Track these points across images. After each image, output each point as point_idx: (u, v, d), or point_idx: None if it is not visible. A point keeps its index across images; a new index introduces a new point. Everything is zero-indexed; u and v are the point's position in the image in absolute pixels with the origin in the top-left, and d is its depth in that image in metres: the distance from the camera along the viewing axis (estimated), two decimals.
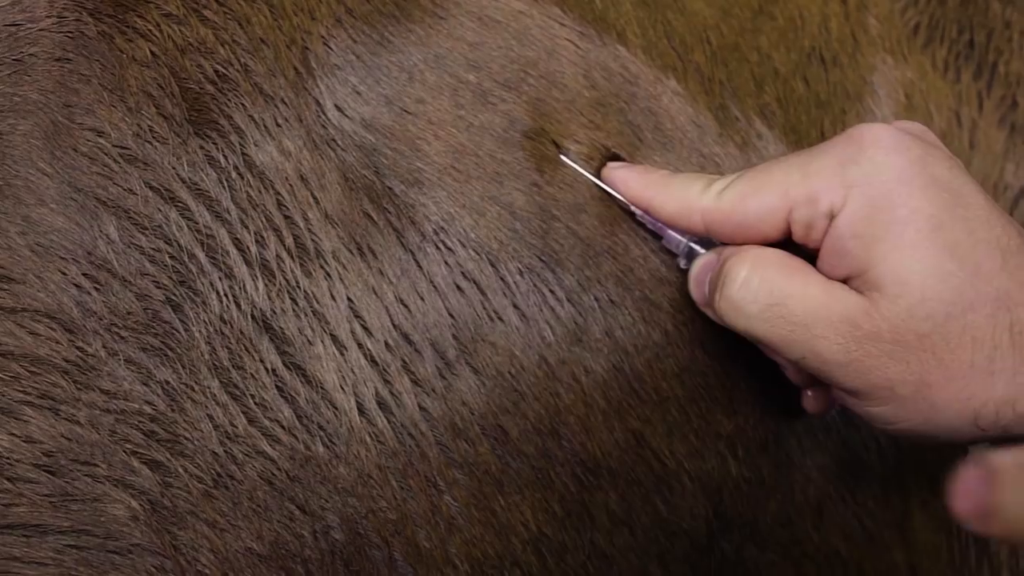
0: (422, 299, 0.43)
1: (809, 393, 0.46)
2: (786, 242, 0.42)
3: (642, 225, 0.46)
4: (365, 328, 0.42)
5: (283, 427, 0.40)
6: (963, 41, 0.57)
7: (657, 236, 0.46)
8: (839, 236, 0.40)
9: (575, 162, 0.45)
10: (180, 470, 0.39)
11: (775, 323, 0.40)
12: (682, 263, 0.46)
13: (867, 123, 0.42)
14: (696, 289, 0.45)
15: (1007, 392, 0.39)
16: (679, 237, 0.45)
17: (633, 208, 0.45)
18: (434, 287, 0.43)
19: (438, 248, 0.43)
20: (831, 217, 0.40)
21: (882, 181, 0.40)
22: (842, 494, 0.49)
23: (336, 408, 0.41)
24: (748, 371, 0.47)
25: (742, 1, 0.51)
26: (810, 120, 0.51)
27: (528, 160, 0.45)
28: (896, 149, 0.40)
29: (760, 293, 0.41)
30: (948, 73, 0.56)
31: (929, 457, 0.51)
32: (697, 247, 0.45)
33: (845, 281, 0.41)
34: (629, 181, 0.46)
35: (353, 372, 0.41)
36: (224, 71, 0.41)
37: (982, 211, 0.40)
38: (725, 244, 0.44)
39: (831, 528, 0.49)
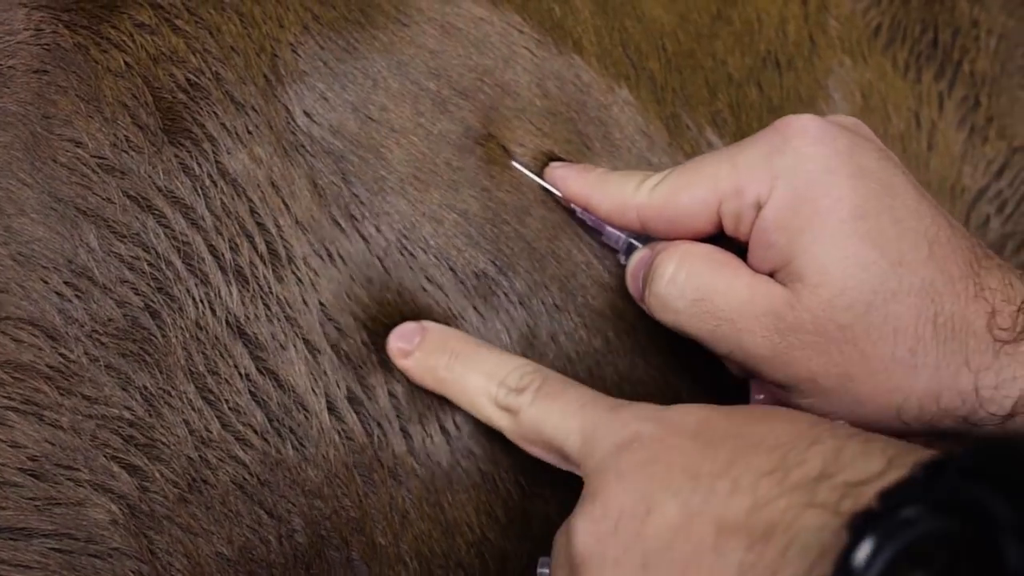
0: (394, 301, 0.53)
1: (752, 385, 0.55)
2: (720, 235, 0.50)
3: (583, 223, 0.56)
4: (339, 330, 0.52)
5: (255, 431, 0.50)
6: (926, 41, 0.67)
7: (599, 233, 0.56)
8: (765, 228, 0.47)
9: (521, 164, 0.56)
10: (157, 475, 0.49)
11: (702, 318, 0.48)
12: (622, 259, 0.56)
13: (792, 116, 0.48)
14: (632, 284, 0.54)
15: (929, 386, 0.45)
16: (618, 233, 0.55)
17: (573, 206, 0.55)
18: (402, 288, 0.53)
19: (401, 254, 0.53)
20: (758, 208, 0.47)
21: (807, 171, 0.46)
22: None
23: (307, 410, 0.51)
24: (688, 381, 0.58)
25: (701, 5, 0.62)
26: (761, 126, 0.60)
27: (480, 166, 0.55)
28: (822, 140, 0.46)
29: (687, 288, 0.48)
30: (909, 74, 0.66)
31: None
32: (635, 242, 0.54)
33: (772, 274, 0.47)
34: (568, 180, 0.55)
35: (325, 373, 0.51)
36: (196, 80, 0.51)
37: (911, 201, 0.46)
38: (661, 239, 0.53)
39: None
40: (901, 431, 0.46)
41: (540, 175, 0.56)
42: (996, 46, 0.68)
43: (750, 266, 0.49)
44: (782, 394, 0.49)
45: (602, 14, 0.59)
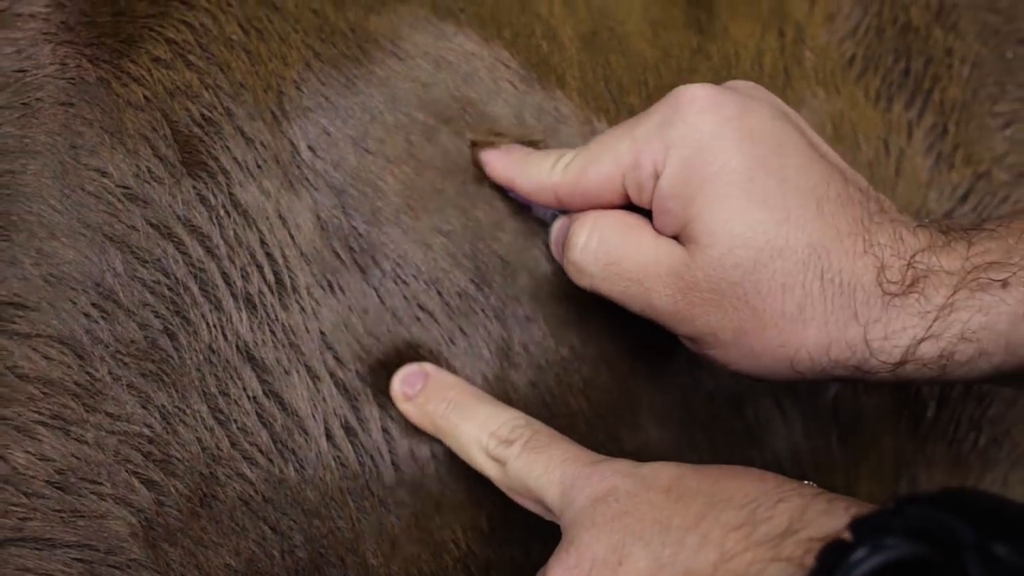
0: (389, 331, 0.70)
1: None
2: (630, 206, 0.64)
3: (515, 201, 0.72)
4: (337, 359, 0.68)
5: (261, 451, 0.66)
6: (898, 70, 0.82)
7: (529, 209, 0.72)
8: (662, 196, 0.58)
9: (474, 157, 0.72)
10: (172, 489, 0.64)
11: (614, 280, 0.60)
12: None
13: (685, 85, 0.59)
14: (556, 252, 0.67)
15: (819, 339, 0.55)
16: (544, 209, 0.70)
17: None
18: (397, 319, 0.70)
19: (395, 283, 0.70)
20: (656, 178, 0.59)
21: (696, 140, 0.57)
22: None
23: (307, 434, 0.67)
24: (652, 390, 0.74)
25: (682, 41, 0.78)
26: None
27: (459, 186, 0.71)
28: (711, 107, 0.57)
29: (598, 254, 0.61)
30: (880, 102, 0.82)
31: (832, 483, 0.79)
32: (560, 214, 0.69)
33: (676, 237, 0.59)
34: (492, 162, 0.69)
35: (325, 400, 0.68)
36: (209, 114, 0.67)
37: (802, 159, 0.56)
38: None
39: None
40: (796, 379, 0.58)
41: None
42: (968, 74, 0.83)
43: (656, 231, 0.61)
44: (692, 345, 0.61)
45: (588, 50, 0.76)
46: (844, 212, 0.56)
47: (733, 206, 0.56)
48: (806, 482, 0.55)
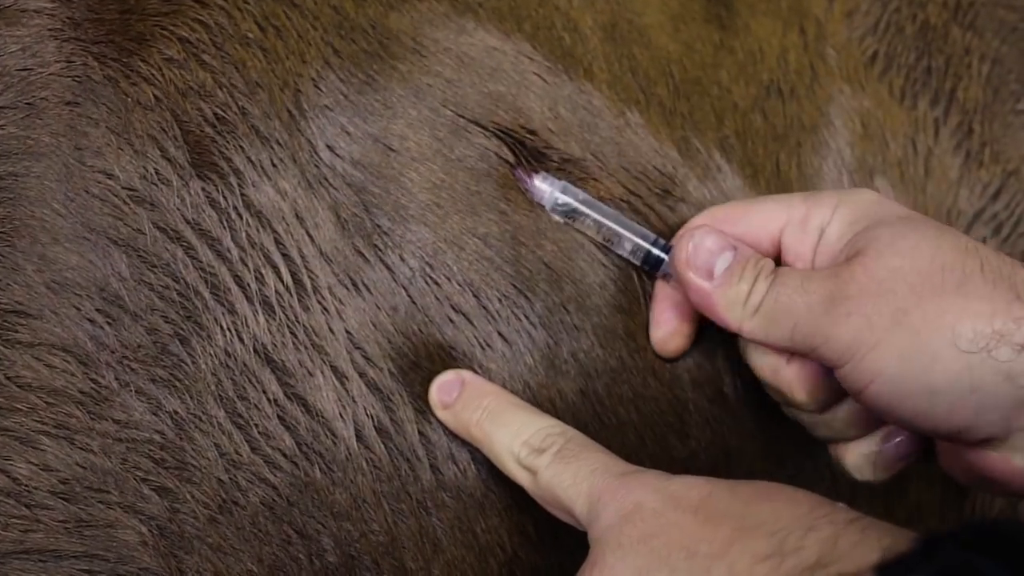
0: (420, 331, 0.54)
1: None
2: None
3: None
4: (367, 358, 0.52)
5: (284, 455, 0.51)
6: (921, 68, 0.68)
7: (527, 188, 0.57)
8: (829, 241, 0.52)
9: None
10: (188, 496, 0.49)
11: (776, 324, 0.51)
12: (557, 217, 0.57)
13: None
14: (686, 268, 0.54)
15: (980, 308, 0.46)
16: (543, 189, 0.56)
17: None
18: (429, 319, 0.54)
19: (426, 282, 0.54)
20: (821, 232, 0.53)
21: (864, 199, 0.53)
22: None
23: (335, 436, 0.51)
24: (698, 397, 0.59)
25: (704, 36, 0.63)
26: (767, 153, 0.63)
27: (496, 189, 0.56)
28: (876, 195, 0.54)
29: (769, 298, 0.51)
30: (905, 100, 0.67)
31: (877, 490, 0.64)
32: (658, 251, 0.56)
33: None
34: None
35: (354, 401, 0.52)
36: (223, 114, 0.52)
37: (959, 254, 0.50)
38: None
39: None
40: (960, 370, 0.47)
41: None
42: (989, 72, 0.69)
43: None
44: (843, 360, 0.50)
45: (611, 42, 0.60)
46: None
47: (900, 228, 0.50)
48: (840, 505, 0.45)
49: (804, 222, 0.53)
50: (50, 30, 0.50)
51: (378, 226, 0.54)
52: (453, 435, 0.54)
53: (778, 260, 0.54)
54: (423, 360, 0.54)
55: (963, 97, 0.68)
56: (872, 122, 0.66)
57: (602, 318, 0.57)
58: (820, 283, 0.50)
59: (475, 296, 0.55)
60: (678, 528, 0.45)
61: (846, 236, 0.51)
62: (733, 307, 0.52)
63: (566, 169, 0.58)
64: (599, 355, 0.57)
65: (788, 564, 0.40)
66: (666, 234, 0.58)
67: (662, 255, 0.56)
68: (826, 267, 0.52)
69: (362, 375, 0.52)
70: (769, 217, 0.54)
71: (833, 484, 0.62)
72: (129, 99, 0.50)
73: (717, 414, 0.60)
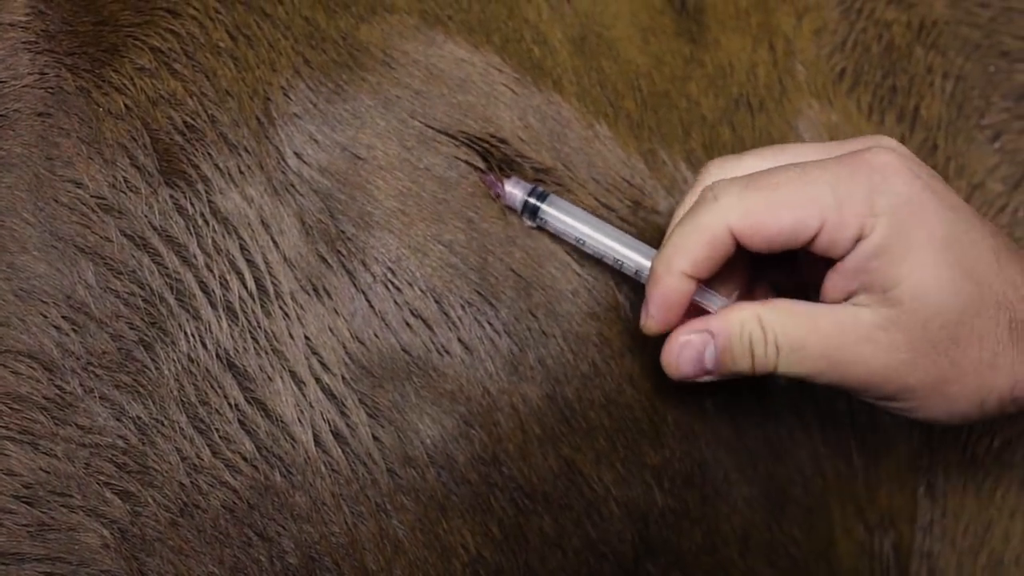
0: (376, 336, 0.51)
1: None
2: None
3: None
4: (323, 364, 0.50)
5: (244, 459, 0.48)
6: (887, 85, 0.65)
7: (499, 196, 0.54)
8: (863, 257, 0.48)
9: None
10: (149, 500, 0.47)
11: (800, 364, 0.50)
12: (527, 221, 0.54)
13: (875, 149, 0.49)
14: (685, 367, 0.52)
15: (1007, 381, 0.49)
16: (515, 193, 0.53)
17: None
18: (386, 324, 0.51)
19: (387, 288, 0.51)
20: (857, 240, 0.48)
21: (904, 210, 0.48)
22: (768, 524, 0.59)
23: (294, 440, 0.49)
24: (675, 407, 0.56)
25: (674, 49, 0.60)
26: None
27: (465, 198, 0.54)
28: (911, 179, 0.49)
29: (781, 345, 0.49)
30: (872, 116, 0.64)
31: (854, 491, 0.62)
32: (534, 201, 0.53)
33: (848, 296, 0.49)
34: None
35: (311, 406, 0.50)
36: (192, 122, 0.49)
37: (974, 219, 0.50)
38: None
39: (757, 555, 0.59)
40: (978, 419, 0.51)
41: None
42: (952, 89, 0.66)
43: (824, 289, 0.51)
44: (885, 404, 0.51)
45: (580, 55, 0.57)
46: (1013, 261, 0.50)
47: (939, 273, 0.48)
48: None
49: (841, 226, 0.48)
50: (24, 43, 0.48)
51: (342, 232, 0.51)
52: (407, 437, 0.51)
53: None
54: (375, 366, 0.51)
55: (926, 114, 0.66)
56: (840, 136, 0.64)
57: (573, 324, 0.54)
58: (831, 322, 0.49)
59: (436, 302, 0.52)
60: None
61: (882, 256, 0.48)
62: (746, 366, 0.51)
63: (540, 179, 0.55)
64: (569, 360, 0.54)
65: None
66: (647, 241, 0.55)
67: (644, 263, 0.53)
68: (850, 283, 0.50)
69: (318, 380, 0.50)
70: (800, 220, 0.49)
71: (804, 489, 0.60)
72: (100, 109, 0.48)
73: (695, 425, 0.57)
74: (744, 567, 0.58)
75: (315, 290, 0.50)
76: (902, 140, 0.65)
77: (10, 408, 0.45)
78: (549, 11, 0.57)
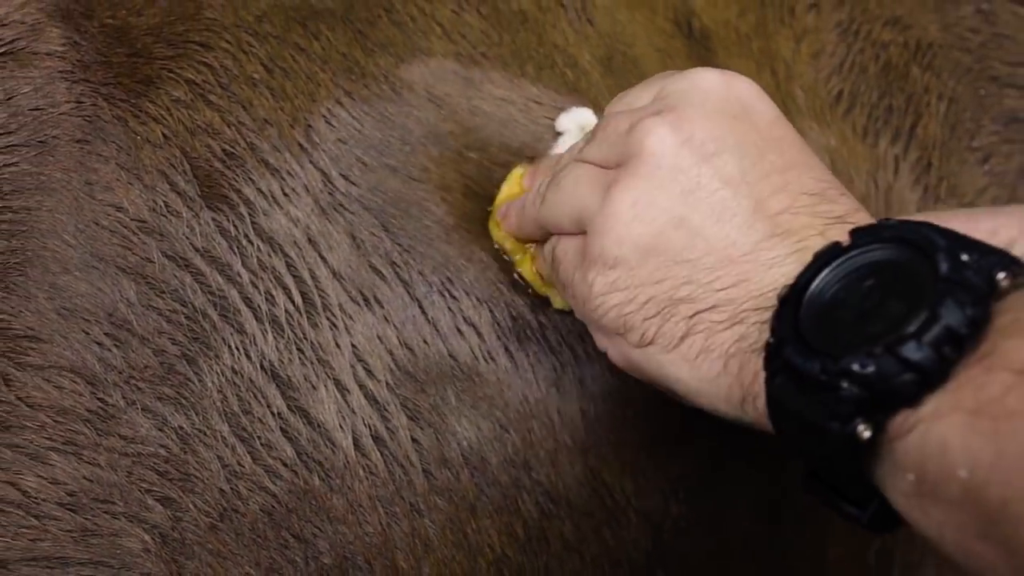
0: (426, 343, 0.43)
1: None
2: None
3: None
4: (368, 371, 0.42)
5: (285, 464, 0.40)
6: (882, 106, 0.57)
7: None
8: None
9: None
10: (190, 505, 0.39)
11: None
12: None
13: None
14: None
15: None
16: None
17: None
18: (437, 331, 0.44)
19: (443, 296, 0.44)
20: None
21: None
22: (767, 531, 0.51)
23: (334, 445, 0.41)
24: (701, 417, 0.50)
25: (688, 68, 0.54)
26: None
27: None
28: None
29: None
30: (867, 138, 0.56)
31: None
32: None
33: None
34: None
35: (353, 412, 0.41)
36: (232, 149, 0.41)
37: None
38: None
39: (755, 562, 0.50)
40: None
41: None
42: (946, 111, 0.58)
43: None
44: None
45: (610, 74, 0.49)
46: None
47: None
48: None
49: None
50: (60, 72, 0.40)
51: (399, 244, 0.43)
52: (444, 439, 0.44)
53: None
54: (419, 371, 0.44)
55: (923, 134, 0.58)
56: (839, 159, 0.56)
57: None
58: None
59: (490, 312, 0.45)
60: (755, 131, 0.38)
61: None
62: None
63: None
64: (608, 380, 0.47)
65: (822, 208, 0.36)
66: None
67: None
68: None
69: (362, 387, 0.42)
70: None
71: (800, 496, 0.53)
72: (138, 137, 0.40)
73: (718, 436, 0.50)
74: (745, 574, 0.52)
75: (365, 300, 0.42)
76: (896, 161, 0.57)
77: (54, 420, 0.38)
78: (574, 34, 0.49)
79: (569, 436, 0.46)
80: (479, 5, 0.48)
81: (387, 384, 0.43)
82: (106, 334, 0.39)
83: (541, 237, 0.43)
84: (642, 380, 0.39)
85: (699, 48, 0.53)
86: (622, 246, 0.36)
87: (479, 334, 0.45)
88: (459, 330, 0.45)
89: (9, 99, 0.39)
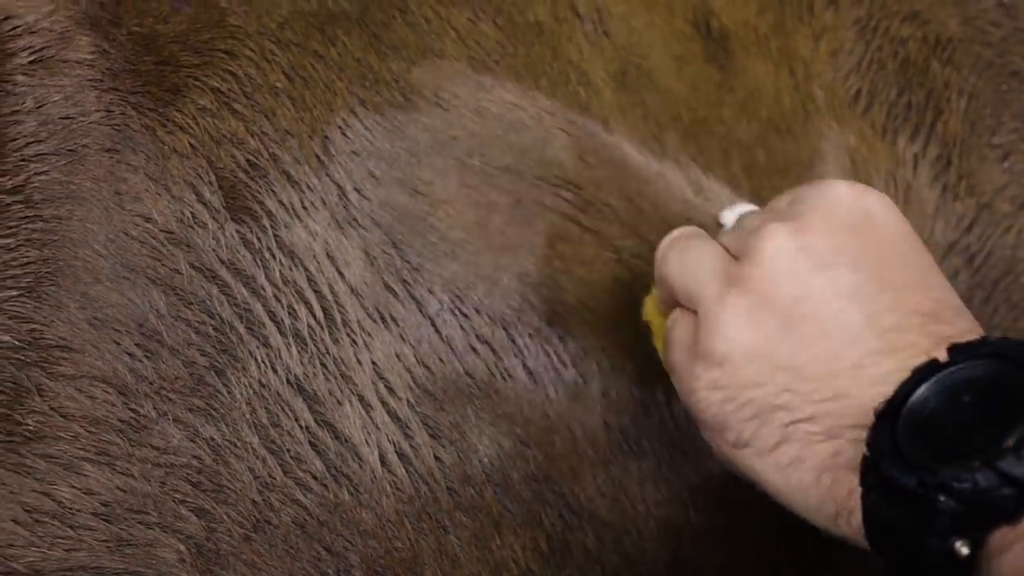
0: (441, 361, 0.47)
1: None
2: None
3: None
4: (389, 388, 0.46)
5: (315, 477, 0.44)
6: (901, 103, 0.59)
7: None
8: None
9: None
10: (224, 516, 0.43)
11: None
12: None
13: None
14: None
15: None
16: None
17: None
18: (452, 350, 0.47)
19: (454, 314, 0.47)
20: None
21: None
22: (778, 541, 0.53)
23: (361, 460, 0.45)
24: None
25: (706, 75, 0.55)
26: (772, 188, 0.54)
27: (537, 236, 0.49)
28: None
29: None
30: (886, 136, 0.59)
31: None
32: None
33: None
34: None
35: (377, 428, 0.45)
36: (255, 160, 0.45)
37: None
38: None
39: (767, 570, 0.53)
40: None
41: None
42: (966, 106, 0.60)
43: None
44: None
45: (623, 91, 0.53)
46: None
47: None
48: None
49: None
50: (90, 80, 0.43)
51: (407, 262, 0.47)
52: (466, 457, 0.47)
53: None
54: (438, 390, 0.47)
55: (943, 130, 0.60)
56: (858, 158, 0.58)
57: (650, 361, 0.49)
58: None
59: (504, 329, 0.48)
60: (879, 245, 0.39)
61: None
62: None
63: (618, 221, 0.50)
64: (633, 393, 0.49)
65: (933, 328, 0.37)
66: None
67: None
68: None
69: (384, 404, 0.46)
70: None
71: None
72: (166, 147, 0.44)
73: None
74: None
75: (382, 318, 0.46)
76: (915, 159, 0.60)
77: (87, 431, 0.41)
78: (589, 48, 0.52)
79: (592, 449, 0.49)
80: (495, 16, 0.51)
81: (408, 402, 0.47)
82: (137, 344, 0.43)
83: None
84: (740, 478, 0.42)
85: (717, 50, 0.56)
86: (729, 346, 0.38)
87: (494, 351, 0.48)
88: (473, 348, 0.48)
89: (39, 107, 0.43)
